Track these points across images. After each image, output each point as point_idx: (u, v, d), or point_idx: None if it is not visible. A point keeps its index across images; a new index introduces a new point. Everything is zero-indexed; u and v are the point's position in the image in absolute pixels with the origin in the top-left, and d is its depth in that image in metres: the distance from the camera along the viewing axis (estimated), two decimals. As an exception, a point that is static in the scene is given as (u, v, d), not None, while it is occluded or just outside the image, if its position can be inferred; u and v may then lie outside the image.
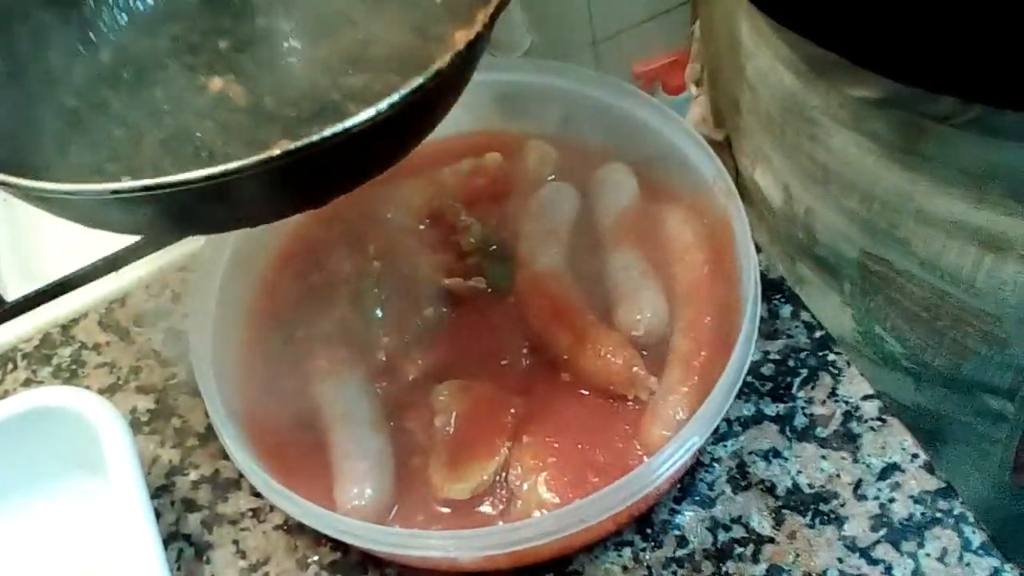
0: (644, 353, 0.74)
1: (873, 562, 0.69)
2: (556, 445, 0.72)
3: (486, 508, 0.71)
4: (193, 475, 0.78)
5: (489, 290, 0.80)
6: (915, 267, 0.80)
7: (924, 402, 0.87)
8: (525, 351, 0.76)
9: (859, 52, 0.72)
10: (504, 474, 0.71)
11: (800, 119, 0.83)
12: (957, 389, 0.85)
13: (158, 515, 0.75)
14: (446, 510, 0.71)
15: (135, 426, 0.81)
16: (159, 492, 0.77)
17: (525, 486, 0.70)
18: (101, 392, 0.83)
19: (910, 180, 0.77)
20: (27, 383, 0.85)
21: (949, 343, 0.82)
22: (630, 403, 0.73)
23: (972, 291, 0.77)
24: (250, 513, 0.76)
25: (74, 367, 0.85)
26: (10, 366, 0.87)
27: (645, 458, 0.70)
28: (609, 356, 0.72)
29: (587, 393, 0.74)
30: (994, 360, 0.81)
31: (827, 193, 0.84)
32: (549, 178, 0.85)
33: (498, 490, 0.71)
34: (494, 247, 0.82)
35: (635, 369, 0.72)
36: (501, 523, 0.70)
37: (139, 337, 0.86)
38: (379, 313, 0.79)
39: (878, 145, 0.77)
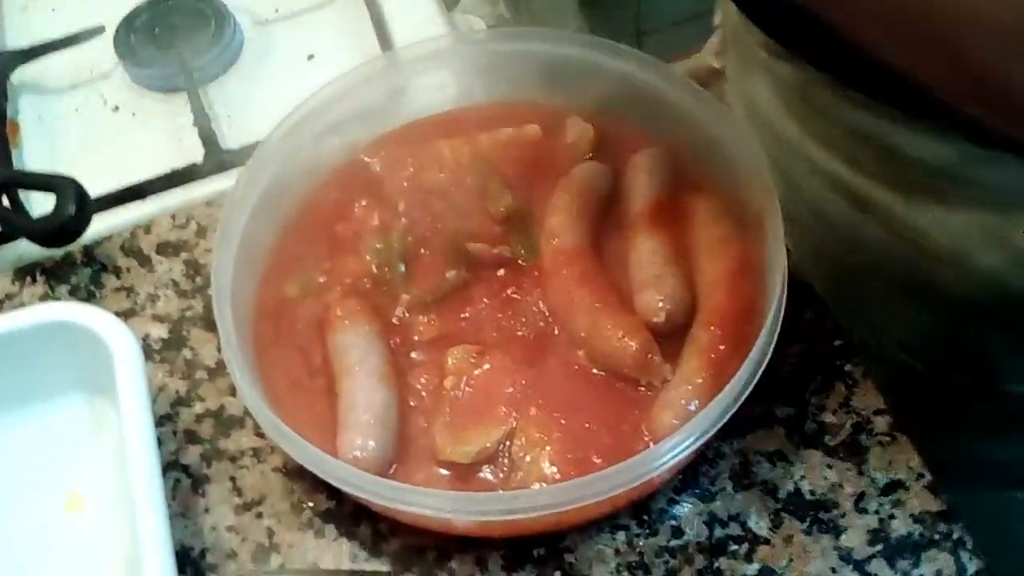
0: (662, 340, 0.73)
1: (866, 576, 0.68)
2: (563, 422, 0.71)
3: (486, 475, 0.70)
4: (198, 407, 0.78)
5: (513, 260, 0.79)
6: None
7: None
8: (542, 324, 0.76)
9: None
10: (508, 444, 0.71)
11: None
12: None
13: (159, 443, 0.75)
14: (446, 472, 0.71)
15: (146, 353, 0.80)
16: (162, 421, 0.77)
17: (528, 458, 0.70)
18: (117, 315, 0.82)
19: None
20: (44, 298, 0.85)
21: None
22: (642, 388, 0.72)
23: None
24: (251, 452, 0.76)
25: (92, 288, 0.85)
26: (28, 279, 0.87)
27: (651, 444, 0.69)
28: (626, 339, 0.72)
29: (600, 373, 0.73)
30: None
31: None
32: (586, 156, 0.84)
33: (500, 459, 0.71)
34: (523, 218, 0.81)
35: (651, 355, 0.72)
36: (500, 491, 0.69)
37: (159, 266, 0.86)
38: (401, 269, 0.79)
39: None
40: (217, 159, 0.96)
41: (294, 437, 0.67)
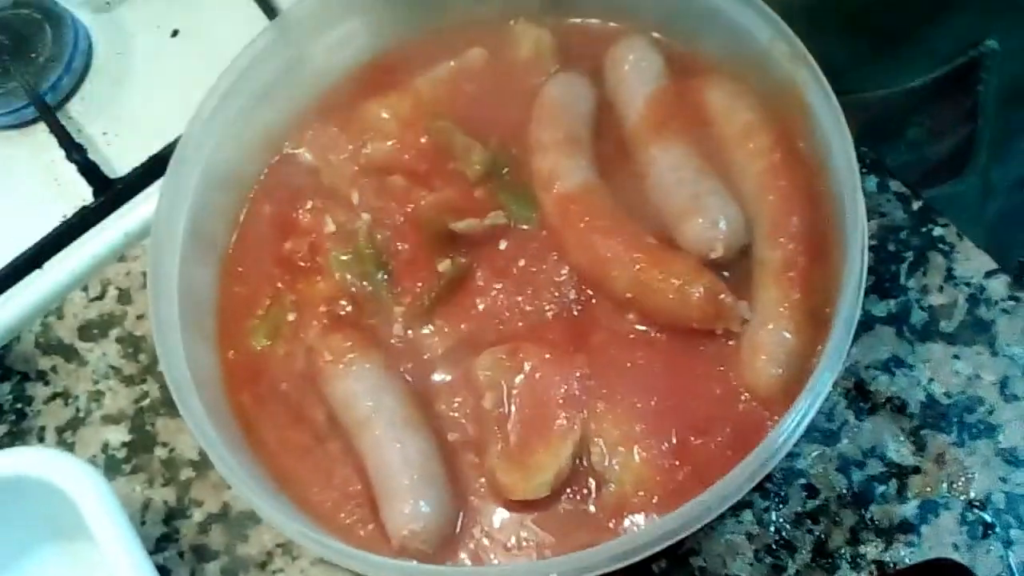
0: (725, 274, 0.59)
1: (1044, 475, 0.57)
2: (639, 406, 0.58)
3: (571, 500, 0.57)
4: (198, 515, 0.64)
5: (512, 225, 0.64)
6: None
7: None
8: (574, 294, 0.62)
9: None
10: (585, 454, 0.58)
11: None
12: None
13: (167, 573, 0.61)
14: (522, 512, 0.57)
15: (111, 466, 0.66)
16: (162, 544, 0.63)
17: (615, 464, 0.57)
18: (60, 430, 0.68)
19: None
20: (-32, 436, 0.69)
21: None
22: (719, 338, 0.59)
23: None
24: (279, 550, 0.62)
25: (19, 406, 0.69)
26: (-61, 418, 0.70)
27: (753, 403, 0.57)
28: (685, 287, 0.58)
29: (661, 335, 0.60)
30: None
31: None
32: (552, 69, 0.69)
33: (581, 475, 0.57)
34: (506, 170, 0.66)
35: (721, 297, 0.58)
36: (592, 510, 0.57)
37: (90, 354, 0.70)
38: (381, 277, 0.64)
39: None
40: (108, 193, 0.79)
41: (336, 545, 0.53)
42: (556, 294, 0.62)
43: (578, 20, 0.70)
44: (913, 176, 0.82)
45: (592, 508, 0.57)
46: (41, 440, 0.67)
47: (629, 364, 0.59)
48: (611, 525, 0.56)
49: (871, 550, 0.57)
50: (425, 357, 0.62)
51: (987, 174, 0.86)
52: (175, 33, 0.89)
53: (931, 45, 0.78)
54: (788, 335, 0.57)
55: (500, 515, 0.57)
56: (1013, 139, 0.86)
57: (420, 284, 0.63)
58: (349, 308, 0.64)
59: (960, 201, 0.87)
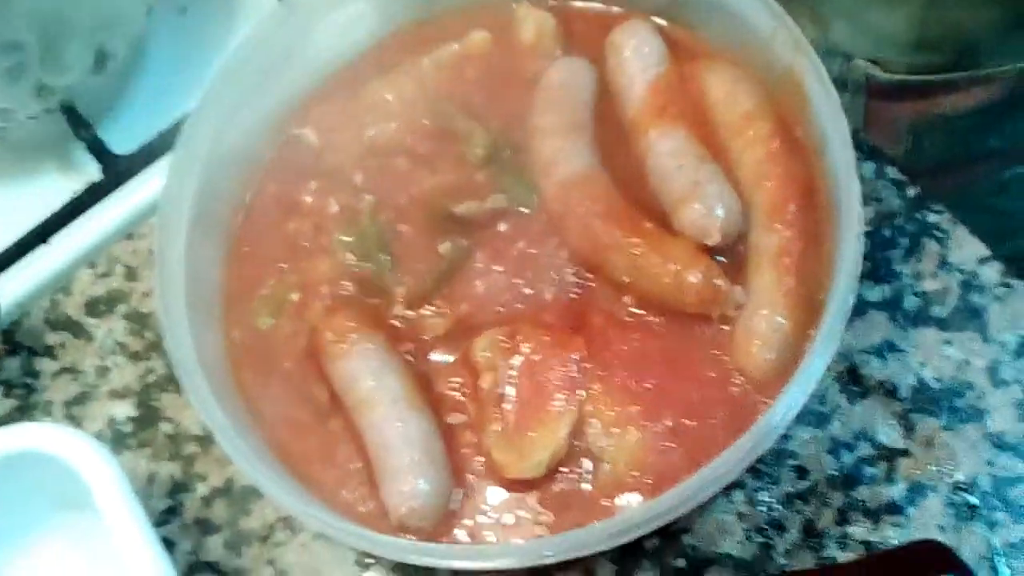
0: (721, 259, 0.60)
1: (1031, 460, 0.58)
2: (635, 388, 0.59)
3: (566, 479, 0.58)
4: (202, 489, 0.65)
5: (513, 208, 0.65)
6: None
7: None
8: (573, 278, 0.63)
9: None
10: (581, 435, 0.59)
11: None
12: None
13: (170, 545, 0.63)
14: (519, 491, 0.59)
15: (117, 440, 0.67)
16: (166, 517, 0.65)
17: (610, 445, 0.58)
18: (68, 405, 0.69)
19: None
20: (-23, 408, 0.71)
21: None
22: (714, 322, 0.60)
23: None
24: (280, 524, 0.64)
25: (28, 380, 0.71)
26: (-50, 388, 0.72)
27: (747, 386, 0.58)
28: (682, 272, 0.59)
29: (658, 319, 0.61)
30: None
31: None
32: (554, 53, 0.69)
33: (577, 455, 0.59)
34: (507, 152, 0.67)
35: (716, 282, 0.59)
36: (588, 489, 0.58)
37: (97, 330, 0.71)
38: (384, 258, 0.65)
39: None
40: (116, 170, 0.80)
41: (337, 522, 0.55)
42: (555, 277, 0.63)
43: (581, 4, 0.70)
44: None
45: (587, 487, 0.58)
46: (48, 414, 0.69)
47: (625, 347, 0.60)
48: (605, 504, 0.57)
49: (859, 530, 0.58)
50: (425, 338, 0.63)
51: None
52: (183, 10, 0.90)
53: None
54: (782, 320, 0.58)
55: (497, 494, 0.59)
56: None
57: (421, 265, 0.64)
58: (352, 288, 0.65)
59: None
